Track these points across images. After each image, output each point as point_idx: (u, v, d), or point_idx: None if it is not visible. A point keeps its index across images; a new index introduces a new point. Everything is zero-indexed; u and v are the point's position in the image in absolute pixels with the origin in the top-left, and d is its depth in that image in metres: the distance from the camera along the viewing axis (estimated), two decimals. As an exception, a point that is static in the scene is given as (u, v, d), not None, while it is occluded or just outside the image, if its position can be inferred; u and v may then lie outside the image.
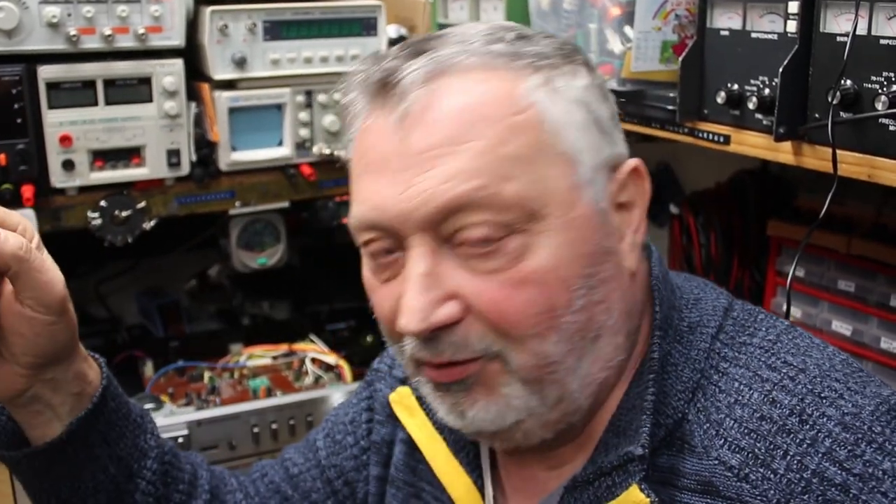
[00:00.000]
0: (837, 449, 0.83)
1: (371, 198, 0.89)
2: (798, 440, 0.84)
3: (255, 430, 1.67)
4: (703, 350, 0.94)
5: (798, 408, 0.86)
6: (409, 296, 0.86)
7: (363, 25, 1.91)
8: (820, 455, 0.83)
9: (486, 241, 0.85)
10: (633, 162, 0.94)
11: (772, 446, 0.85)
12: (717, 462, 0.87)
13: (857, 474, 0.81)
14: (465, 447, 1.08)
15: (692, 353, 0.94)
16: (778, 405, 0.87)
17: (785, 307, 1.61)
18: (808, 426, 0.84)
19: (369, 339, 2.13)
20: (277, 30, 1.83)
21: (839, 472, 0.82)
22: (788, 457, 0.84)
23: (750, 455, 0.86)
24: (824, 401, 0.86)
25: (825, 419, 0.84)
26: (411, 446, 1.14)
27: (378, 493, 1.18)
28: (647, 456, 0.89)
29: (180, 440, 1.60)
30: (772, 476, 0.84)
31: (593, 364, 0.91)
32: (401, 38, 2.05)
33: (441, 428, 1.10)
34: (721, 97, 1.29)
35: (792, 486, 0.83)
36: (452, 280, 0.87)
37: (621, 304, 0.93)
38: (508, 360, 0.88)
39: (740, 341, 0.95)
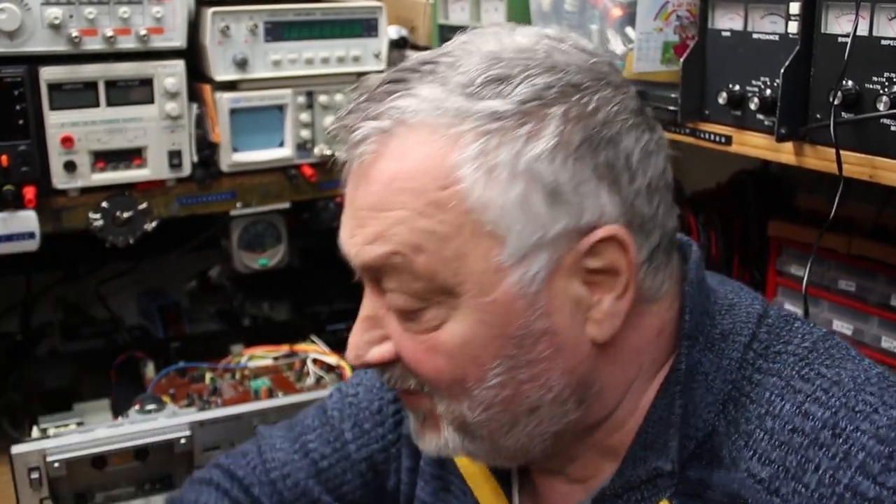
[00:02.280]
0: (871, 462, 0.80)
1: (341, 233, 0.93)
2: (831, 454, 0.82)
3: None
4: (736, 360, 0.92)
5: (831, 421, 0.84)
6: (352, 332, 0.93)
7: (364, 26, 1.92)
8: (853, 469, 0.81)
9: (403, 306, 0.88)
10: (611, 230, 0.85)
11: (803, 460, 0.83)
12: (746, 474, 0.86)
13: (891, 488, 0.79)
14: None
15: (724, 363, 0.92)
16: (810, 417, 0.85)
17: (785, 306, 1.62)
18: (841, 440, 0.82)
19: (369, 339, 2.12)
20: (279, 31, 1.84)
21: (873, 485, 0.79)
22: (820, 470, 0.82)
23: (780, 468, 0.84)
24: (858, 415, 0.83)
25: (859, 433, 0.82)
26: None
27: (410, 484, 1.17)
28: (677, 471, 0.88)
29: (182, 441, 1.60)
30: (803, 490, 0.82)
31: (535, 427, 0.91)
32: (402, 39, 2.05)
33: None
34: (722, 98, 1.29)
35: (824, 500, 0.81)
36: (389, 325, 0.91)
37: (569, 377, 0.89)
38: (436, 404, 0.92)
39: (774, 350, 0.92)
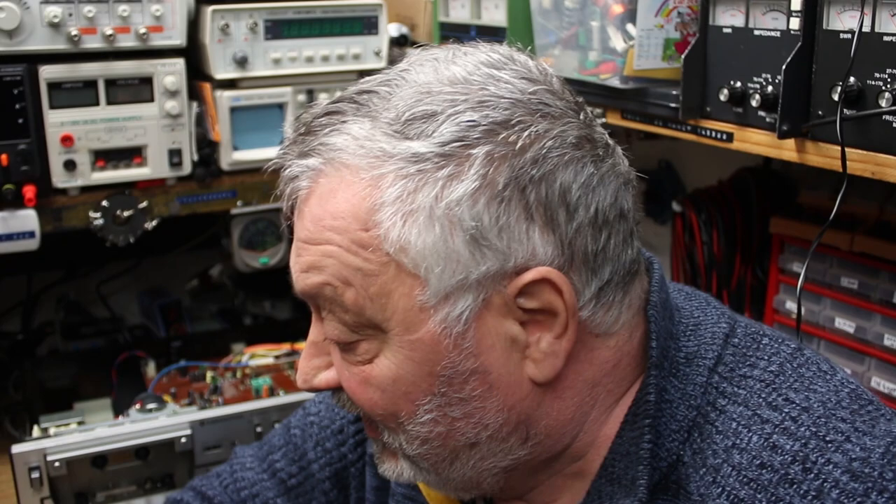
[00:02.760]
0: (846, 501, 0.78)
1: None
2: (802, 491, 0.79)
3: (259, 429, 1.66)
4: (700, 385, 0.89)
5: (801, 454, 0.81)
6: (301, 357, 0.96)
7: (364, 24, 1.91)
8: None
9: (335, 337, 0.90)
10: (541, 272, 0.83)
11: (774, 498, 0.80)
12: None
13: None
14: None
15: (688, 389, 0.89)
16: (779, 451, 0.82)
17: (787, 304, 1.62)
18: (812, 475, 0.79)
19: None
20: (279, 29, 1.83)
21: None
22: None
23: None
24: (829, 445, 0.81)
25: (831, 466, 0.79)
26: None
27: (378, 502, 1.16)
28: None
29: (183, 440, 1.60)
30: None
31: (479, 461, 0.90)
32: (402, 37, 2.05)
33: None
34: (724, 95, 1.29)
35: None
36: (332, 353, 0.93)
37: (506, 415, 0.88)
38: (383, 434, 0.93)
39: (740, 374, 0.90)
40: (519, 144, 0.83)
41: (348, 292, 0.85)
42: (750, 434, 0.84)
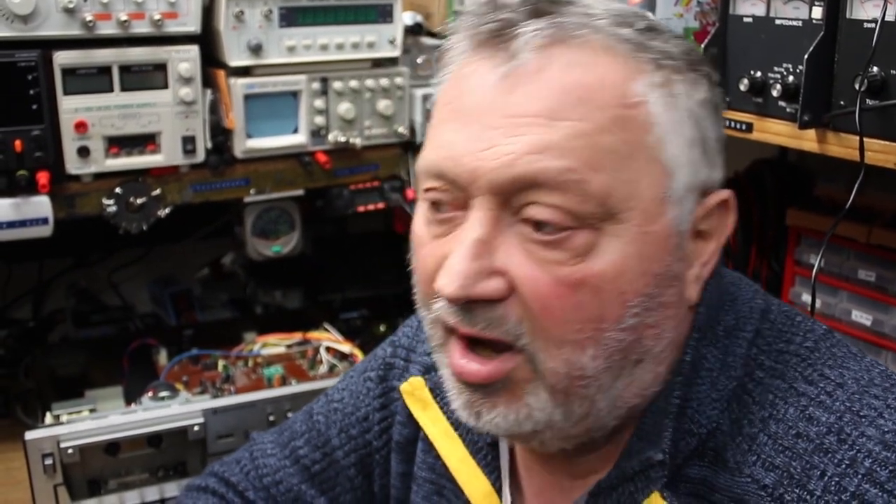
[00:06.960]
0: (878, 469, 0.78)
1: (449, 145, 0.83)
2: (836, 460, 0.80)
3: (271, 418, 1.66)
4: (740, 356, 0.89)
5: (836, 426, 0.82)
6: (456, 257, 0.81)
7: (379, 12, 1.90)
8: (860, 476, 0.79)
9: (552, 225, 0.80)
10: (725, 193, 0.88)
11: (808, 466, 0.81)
12: (749, 480, 0.83)
13: None
14: (482, 448, 1.04)
15: (728, 360, 0.89)
16: (815, 422, 0.83)
17: (803, 296, 1.61)
18: (846, 445, 0.80)
19: (382, 328, 2.12)
20: (293, 16, 1.82)
21: (880, 493, 0.77)
22: (826, 477, 0.80)
23: (785, 474, 0.82)
24: (863, 419, 0.82)
25: (864, 439, 0.80)
26: (428, 443, 1.10)
27: (404, 488, 1.15)
28: (668, 462, 0.85)
29: (196, 428, 1.60)
30: (808, 497, 0.80)
31: (628, 388, 0.86)
32: (416, 25, 2.04)
33: (457, 425, 1.05)
34: (744, 84, 1.28)
35: None
36: (507, 257, 0.81)
37: (673, 334, 0.88)
38: (538, 360, 0.83)
39: (777, 349, 0.90)
40: (714, 78, 0.89)
41: (597, 178, 0.79)
42: (786, 406, 0.85)
